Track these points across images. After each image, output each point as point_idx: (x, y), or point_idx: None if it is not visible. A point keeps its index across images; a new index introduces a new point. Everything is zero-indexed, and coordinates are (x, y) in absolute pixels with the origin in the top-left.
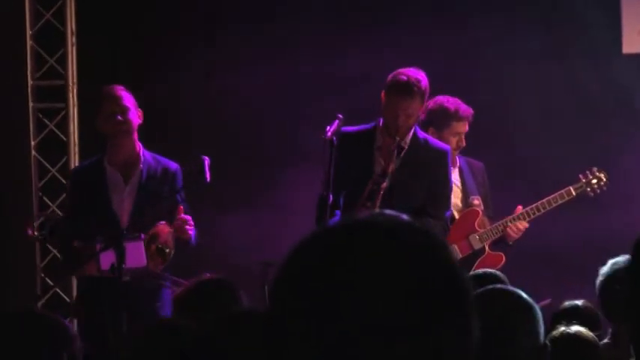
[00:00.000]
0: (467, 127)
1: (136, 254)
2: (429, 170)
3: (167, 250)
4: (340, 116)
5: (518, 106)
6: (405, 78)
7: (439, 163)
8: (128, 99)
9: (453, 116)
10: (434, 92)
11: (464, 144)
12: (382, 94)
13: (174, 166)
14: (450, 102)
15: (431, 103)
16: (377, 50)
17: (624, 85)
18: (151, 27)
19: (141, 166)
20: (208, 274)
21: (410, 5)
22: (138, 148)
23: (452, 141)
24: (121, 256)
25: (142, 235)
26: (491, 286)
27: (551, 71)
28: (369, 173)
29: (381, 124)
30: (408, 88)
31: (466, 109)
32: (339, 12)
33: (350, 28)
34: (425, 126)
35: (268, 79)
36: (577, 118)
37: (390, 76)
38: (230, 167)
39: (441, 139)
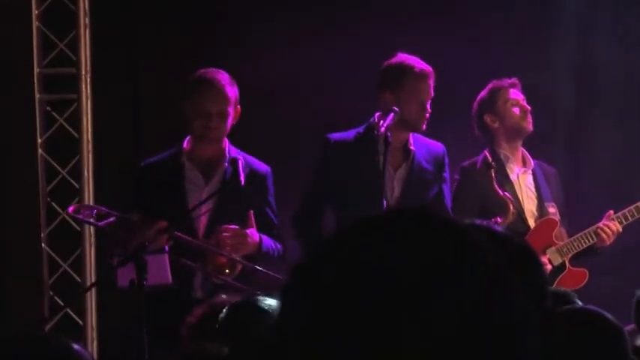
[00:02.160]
0: (521, 95)
1: (160, 269)
2: (435, 175)
3: (227, 271)
4: (396, 109)
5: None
6: (415, 61)
7: (442, 163)
8: (232, 95)
9: (495, 88)
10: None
11: (529, 109)
12: (388, 89)
13: (264, 168)
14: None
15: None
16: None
17: None
18: (175, 6)
19: (226, 164)
20: (224, 296)
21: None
22: (224, 144)
23: (513, 111)
24: (142, 271)
25: (167, 248)
26: (570, 306)
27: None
28: (377, 184)
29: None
30: (428, 70)
31: (507, 79)
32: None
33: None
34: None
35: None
36: None
37: (392, 65)
38: None
39: (501, 117)
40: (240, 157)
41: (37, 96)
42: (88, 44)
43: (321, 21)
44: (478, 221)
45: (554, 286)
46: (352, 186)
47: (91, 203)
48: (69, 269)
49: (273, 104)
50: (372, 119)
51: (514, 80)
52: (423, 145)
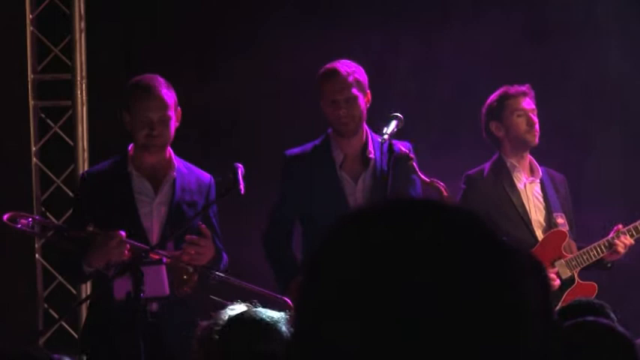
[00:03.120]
0: (531, 104)
1: (157, 281)
2: (402, 177)
3: (185, 277)
4: (400, 116)
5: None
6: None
7: (406, 166)
8: (170, 98)
9: (505, 96)
10: None
11: (536, 122)
12: (320, 98)
13: (207, 177)
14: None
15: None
16: None
17: None
18: (172, 11)
19: (174, 173)
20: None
21: None
22: (169, 153)
23: (519, 122)
24: (138, 282)
25: (164, 259)
26: (581, 319)
27: None
28: (339, 197)
29: (331, 133)
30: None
31: (519, 86)
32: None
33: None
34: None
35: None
36: None
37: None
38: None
39: (507, 127)
40: (240, 166)
41: (32, 102)
42: (84, 49)
43: (322, 27)
44: None
45: (562, 300)
46: (315, 199)
47: None
48: (64, 281)
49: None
50: (328, 131)
51: (525, 88)
52: (385, 146)
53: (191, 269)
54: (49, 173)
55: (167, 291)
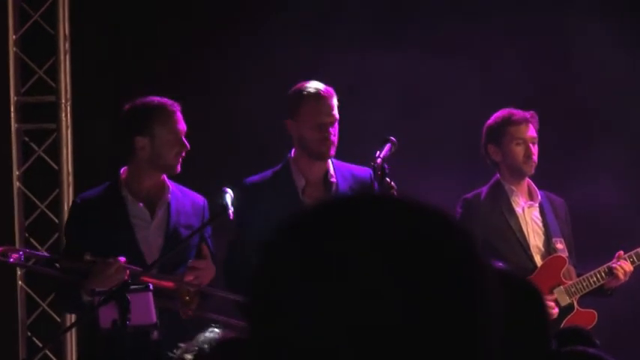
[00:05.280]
0: (532, 132)
1: (144, 308)
2: None
3: (187, 299)
4: (393, 139)
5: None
6: (313, 82)
7: (370, 189)
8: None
9: (507, 121)
10: None
11: (534, 153)
12: (289, 119)
13: (201, 199)
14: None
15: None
16: None
17: None
18: (160, 30)
19: (168, 196)
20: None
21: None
22: (162, 176)
23: (518, 151)
24: (124, 310)
25: (151, 286)
26: (569, 348)
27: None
28: None
29: (293, 157)
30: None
31: (523, 112)
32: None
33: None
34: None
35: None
36: None
37: (291, 93)
38: None
39: (504, 153)
40: (227, 190)
41: (15, 125)
42: (69, 71)
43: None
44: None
45: (561, 327)
46: (277, 225)
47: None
48: (47, 308)
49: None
50: (287, 157)
51: (529, 115)
52: (347, 172)
53: (194, 292)
54: (33, 198)
55: (154, 319)
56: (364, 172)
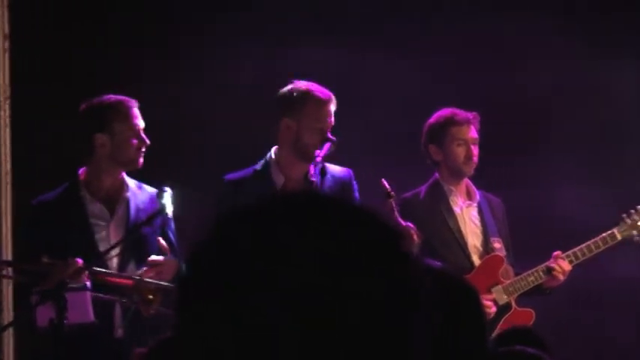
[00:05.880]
0: (474, 133)
1: (81, 307)
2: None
3: (150, 297)
4: (333, 138)
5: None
6: (315, 85)
7: (349, 190)
8: None
9: (449, 122)
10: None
11: (474, 155)
12: (285, 117)
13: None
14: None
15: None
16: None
17: None
18: (103, 28)
19: (127, 194)
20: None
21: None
22: (122, 174)
23: (459, 152)
24: (62, 309)
25: (88, 284)
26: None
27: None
28: None
29: (274, 157)
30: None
31: (465, 113)
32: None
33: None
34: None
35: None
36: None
37: (294, 91)
38: None
39: (445, 154)
40: (167, 189)
41: None
42: (7, 69)
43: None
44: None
45: (498, 326)
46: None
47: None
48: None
49: None
50: (268, 155)
51: (470, 116)
52: (327, 173)
53: (155, 289)
54: None
55: (92, 317)
56: (344, 172)
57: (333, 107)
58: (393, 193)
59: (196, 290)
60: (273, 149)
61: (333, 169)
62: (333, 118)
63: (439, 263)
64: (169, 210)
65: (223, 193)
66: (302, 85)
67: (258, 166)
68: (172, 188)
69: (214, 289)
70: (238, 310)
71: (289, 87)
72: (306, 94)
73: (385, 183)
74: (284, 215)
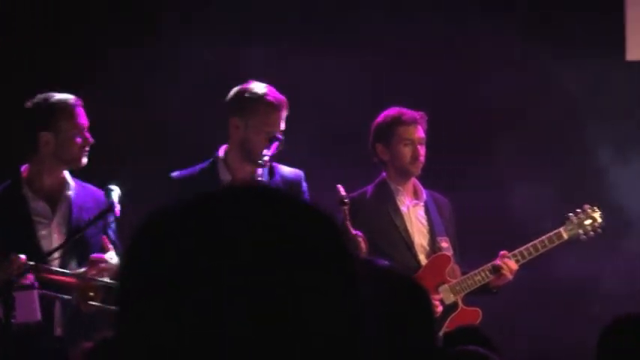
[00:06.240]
0: (421, 133)
1: (29, 306)
2: None
3: (91, 294)
4: (280, 137)
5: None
6: (270, 88)
7: (298, 191)
8: None
9: (396, 121)
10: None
11: (421, 155)
12: (235, 116)
13: (101, 194)
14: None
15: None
16: None
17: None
18: (48, 24)
19: (69, 193)
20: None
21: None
22: (64, 173)
23: (405, 152)
24: (9, 308)
25: (36, 283)
26: (460, 347)
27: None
28: None
29: (222, 156)
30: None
31: (412, 113)
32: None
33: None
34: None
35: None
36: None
37: (247, 92)
38: None
39: (392, 153)
40: (115, 188)
41: None
42: None
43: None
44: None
45: (445, 326)
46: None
47: None
48: None
49: None
50: (216, 154)
51: (418, 116)
52: (276, 173)
53: (97, 287)
54: None
55: (38, 316)
56: (294, 174)
57: (284, 113)
58: (347, 200)
59: (138, 288)
60: (222, 148)
61: (284, 170)
62: (283, 124)
63: (388, 262)
64: (117, 208)
65: (169, 191)
66: (256, 86)
67: (206, 164)
68: (120, 186)
69: (157, 287)
70: (181, 307)
71: (243, 87)
72: (258, 97)
73: (341, 189)
74: (229, 209)
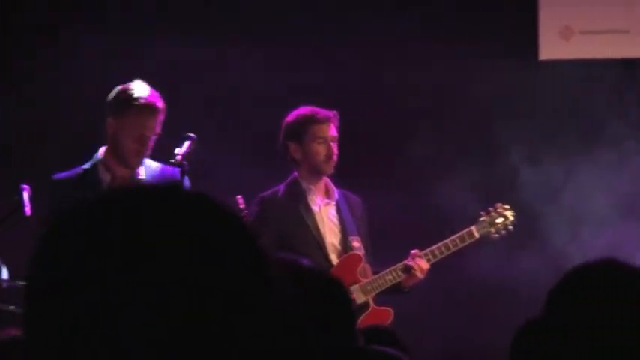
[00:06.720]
0: (334, 131)
1: None
2: None
3: None
4: (193, 136)
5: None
6: (150, 90)
7: None
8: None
9: (309, 120)
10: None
11: (335, 153)
12: (110, 116)
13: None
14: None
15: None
16: None
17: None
18: None
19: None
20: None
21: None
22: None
23: (319, 150)
24: None
25: None
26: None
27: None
28: None
29: (101, 156)
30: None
31: (326, 111)
32: None
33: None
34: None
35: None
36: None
37: (123, 93)
38: None
39: (305, 152)
40: (26, 188)
41: None
42: None
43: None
44: (281, 255)
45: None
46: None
47: None
48: None
49: None
50: (96, 155)
51: (331, 114)
52: (156, 171)
53: None
54: None
55: None
56: (174, 170)
57: (160, 117)
58: (246, 212)
59: (38, 287)
60: (103, 149)
61: (164, 167)
62: (159, 128)
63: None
64: (27, 208)
65: (51, 192)
66: (134, 87)
67: (87, 165)
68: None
69: (53, 286)
70: (75, 307)
71: (122, 87)
72: (131, 99)
73: (240, 200)
74: (118, 210)
